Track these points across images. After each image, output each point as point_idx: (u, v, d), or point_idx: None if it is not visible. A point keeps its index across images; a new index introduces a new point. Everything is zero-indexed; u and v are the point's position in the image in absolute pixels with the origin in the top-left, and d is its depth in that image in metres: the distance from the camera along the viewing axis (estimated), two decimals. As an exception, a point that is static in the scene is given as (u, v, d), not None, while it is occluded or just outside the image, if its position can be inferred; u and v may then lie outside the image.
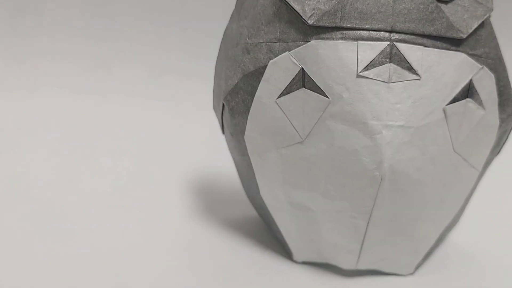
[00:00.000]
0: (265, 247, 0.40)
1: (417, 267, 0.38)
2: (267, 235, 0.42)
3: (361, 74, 0.31)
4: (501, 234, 0.45)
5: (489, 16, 0.33)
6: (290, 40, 0.32)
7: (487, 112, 0.33)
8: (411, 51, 0.31)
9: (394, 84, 0.31)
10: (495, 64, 0.34)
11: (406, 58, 0.31)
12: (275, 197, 0.36)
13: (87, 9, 0.66)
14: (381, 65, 0.31)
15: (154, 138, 0.57)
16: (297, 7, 0.31)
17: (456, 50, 0.32)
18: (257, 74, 0.33)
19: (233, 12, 0.38)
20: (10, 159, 0.49)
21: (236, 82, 0.34)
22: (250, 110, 0.34)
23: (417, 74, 0.31)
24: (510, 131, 0.37)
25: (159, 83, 0.68)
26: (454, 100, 0.32)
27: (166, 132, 0.59)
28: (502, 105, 0.34)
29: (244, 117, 0.35)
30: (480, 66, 0.32)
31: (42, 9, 0.66)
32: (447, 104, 0.32)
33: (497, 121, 0.34)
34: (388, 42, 0.31)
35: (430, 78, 0.31)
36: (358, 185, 0.32)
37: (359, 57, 0.31)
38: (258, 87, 0.33)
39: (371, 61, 0.31)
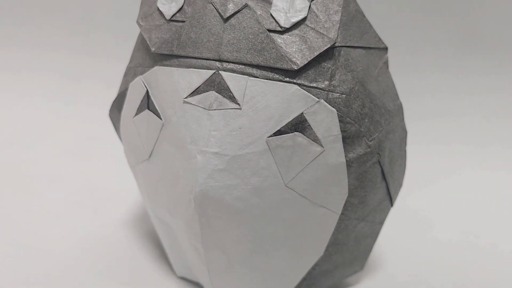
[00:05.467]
0: (163, 260, 0.42)
1: (288, 306, 0.37)
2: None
3: (186, 100, 0.32)
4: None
5: (336, 47, 0.31)
6: (145, 66, 0.35)
7: (327, 149, 0.31)
8: (235, 81, 0.31)
9: (214, 111, 0.31)
10: (346, 99, 0.31)
11: (229, 87, 0.31)
12: (149, 210, 0.39)
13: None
14: (205, 92, 0.31)
15: (103, 143, 0.61)
16: (145, 36, 0.34)
17: (289, 82, 0.31)
18: (124, 94, 0.36)
19: None
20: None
21: (113, 101, 0.38)
22: (120, 127, 0.37)
23: (237, 104, 0.31)
24: (379, 174, 0.33)
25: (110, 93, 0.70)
26: (281, 132, 0.31)
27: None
28: (350, 143, 0.31)
29: (119, 132, 0.38)
30: (316, 100, 0.31)
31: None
32: (270, 136, 0.31)
33: (342, 160, 0.31)
34: (214, 71, 0.31)
35: (251, 108, 0.31)
36: (183, 206, 0.33)
37: (187, 84, 0.32)
38: (123, 106, 0.36)
39: (196, 88, 0.32)
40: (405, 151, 0.36)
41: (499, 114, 0.61)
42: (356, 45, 0.32)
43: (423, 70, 0.62)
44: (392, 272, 0.41)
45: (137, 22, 0.35)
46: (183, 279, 0.40)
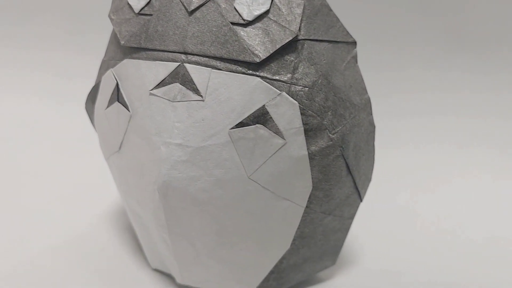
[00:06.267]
0: (139, 252, 0.43)
1: (257, 299, 0.37)
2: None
3: (151, 92, 0.32)
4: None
5: (300, 40, 0.31)
6: (117, 59, 0.35)
7: (289, 142, 0.31)
8: (198, 73, 0.31)
9: (178, 103, 0.31)
10: (309, 92, 0.31)
11: (193, 79, 0.31)
12: (123, 202, 0.39)
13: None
14: (169, 84, 0.32)
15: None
16: (116, 29, 0.34)
17: (251, 74, 0.31)
18: (98, 87, 0.37)
19: None
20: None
21: (88, 93, 0.38)
22: (95, 119, 0.38)
23: (201, 96, 0.31)
24: (343, 167, 0.33)
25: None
26: (243, 124, 0.31)
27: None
28: (312, 136, 0.31)
29: (94, 125, 0.39)
30: (278, 92, 0.31)
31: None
32: (232, 128, 0.31)
33: (304, 153, 0.31)
34: (179, 63, 0.32)
35: (214, 100, 0.31)
36: (149, 197, 0.33)
37: (153, 76, 0.32)
38: (97, 99, 0.37)
39: (162, 80, 0.32)
40: (373, 145, 0.35)
41: (488, 111, 0.61)
42: (321, 38, 0.32)
43: (401, 65, 0.62)
44: (366, 268, 0.41)
45: (109, 16, 0.35)
46: (157, 271, 0.40)
